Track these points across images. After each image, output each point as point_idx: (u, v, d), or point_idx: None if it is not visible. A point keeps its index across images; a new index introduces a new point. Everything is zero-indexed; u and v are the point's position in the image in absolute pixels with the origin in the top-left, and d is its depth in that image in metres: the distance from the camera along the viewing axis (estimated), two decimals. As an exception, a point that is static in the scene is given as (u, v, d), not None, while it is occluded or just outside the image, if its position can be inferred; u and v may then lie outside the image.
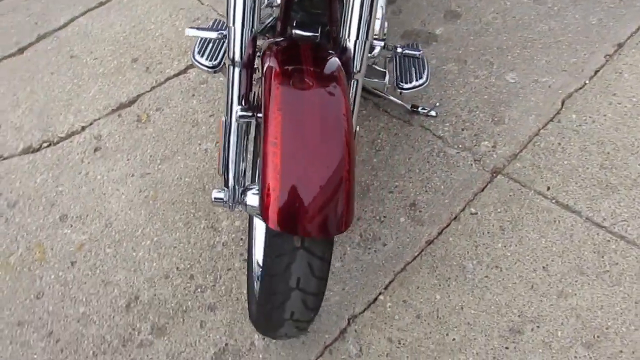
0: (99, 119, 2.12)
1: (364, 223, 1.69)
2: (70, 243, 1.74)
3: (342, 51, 1.22)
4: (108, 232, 1.75)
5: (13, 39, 2.53)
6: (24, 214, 1.83)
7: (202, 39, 1.71)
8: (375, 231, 1.67)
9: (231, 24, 1.20)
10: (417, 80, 1.75)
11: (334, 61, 1.14)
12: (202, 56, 1.70)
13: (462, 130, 1.91)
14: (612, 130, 1.87)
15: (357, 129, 1.36)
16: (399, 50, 1.71)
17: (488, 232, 1.64)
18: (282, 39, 1.32)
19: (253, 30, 1.21)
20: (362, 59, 1.24)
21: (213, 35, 1.62)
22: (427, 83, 1.75)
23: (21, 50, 2.48)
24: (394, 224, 1.69)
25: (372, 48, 1.75)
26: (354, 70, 1.24)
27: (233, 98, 1.25)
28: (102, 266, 1.67)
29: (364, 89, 1.76)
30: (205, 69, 1.68)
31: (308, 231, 0.97)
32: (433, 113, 1.93)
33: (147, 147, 2.00)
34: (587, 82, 2.03)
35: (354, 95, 1.28)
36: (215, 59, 1.70)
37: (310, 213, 0.95)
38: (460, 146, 1.87)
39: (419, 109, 1.93)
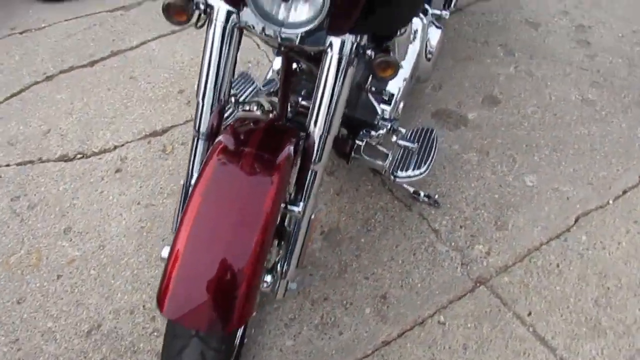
0: (131, 141, 2.19)
1: (329, 305, 1.60)
2: (63, 256, 1.79)
3: (307, 138, 1.17)
4: (98, 254, 1.79)
5: (89, 51, 2.69)
6: (37, 218, 1.92)
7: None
8: (337, 317, 1.57)
9: (199, 98, 1.19)
10: (414, 170, 1.65)
11: (287, 149, 1.09)
12: None
13: (460, 227, 1.77)
14: (621, 262, 1.64)
15: (315, 216, 1.28)
16: (394, 139, 1.63)
17: (449, 347, 1.49)
18: (250, 115, 1.30)
19: (220, 103, 1.19)
20: (322, 151, 1.18)
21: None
22: (424, 175, 1.64)
23: (92, 63, 2.63)
24: (357, 313, 1.58)
25: (377, 128, 1.67)
26: (313, 160, 1.18)
27: (193, 166, 1.23)
28: (82, 286, 1.70)
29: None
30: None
31: (196, 325, 0.93)
32: (431, 197, 1.81)
33: (161, 179, 2.03)
34: (610, 201, 1.80)
35: (309, 185, 1.21)
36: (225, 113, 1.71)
37: (202, 307, 0.90)
38: (452, 245, 1.73)
39: (420, 196, 1.81)
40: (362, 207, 1.85)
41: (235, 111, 1.68)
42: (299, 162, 1.20)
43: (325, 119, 1.15)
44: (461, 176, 1.92)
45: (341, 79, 1.13)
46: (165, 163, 2.08)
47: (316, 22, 1.00)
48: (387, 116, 1.70)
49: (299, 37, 1.06)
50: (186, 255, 0.92)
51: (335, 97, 1.14)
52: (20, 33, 3.04)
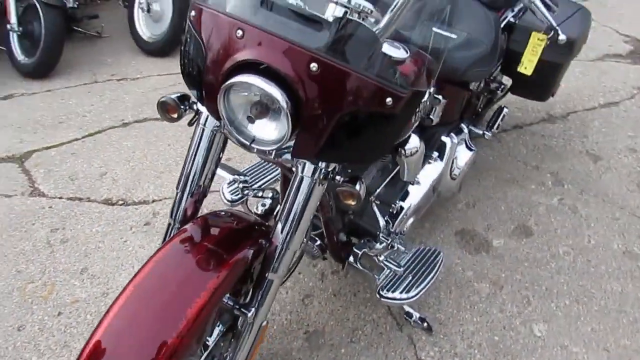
0: (168, 198, 2.32)
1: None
2: (70, 295, 1.90)
3: (269, 245, 1.17)
4: (99, 301, 1.88)
5: (166, 105, 2.93)
6: (64, 253, 2.07)
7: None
8: None
9: (177, 189, 1.25)
10: (402, 293, 1.57)
11: (245, 251, 1.09)
12: (228, 189, 1.78)
13: (447, 363, 1.64)
14: None
15: (266, 324, 1.26)
16: (382, 257, 1.57)
17: None
18: (231, 209, 1.32)
19: (196, 196, 1.23)
20: (279, 263, 1.17)
21: (236, 177, 1.72)
22: (411, 301, 1.56)
23: (164, 117, 2.86)
24: None
25: (378, 240, 1.63)
26: (271, 269, 1.17)
27: None
28: (74, 329, 1.79)
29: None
30: (225, 200, 1.75)
31: None
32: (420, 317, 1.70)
33: (180, 240, 2.12)
34: (624, 378, 1.58)
35: (263, 292, 1.19)
36: (237, 195, 1.76)
37: None
38: (431, 380, 1.60)
39: (412, 318, 1.71)
40: (354, 315, 1.78)
41: (245, 197, 1.74)
42: (259, 267, 1.20)
43: (287, 234, 1.15)
44: (465, 307, 1.79)
45: (306, 199, 1.14)
46: (189, 226, 2.17)
47: (281, 144, 1.02)
48: (391, 229, 1.65)
49: (274, 151, 1.09)
50: (99, 348, 0.94)
51: (297, 215, 1.14)
52: (118, 80, 3.40)
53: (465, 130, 1.91)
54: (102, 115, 2.99)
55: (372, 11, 1.03)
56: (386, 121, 1.05)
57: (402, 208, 1.68)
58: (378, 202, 1.64)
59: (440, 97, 1.66)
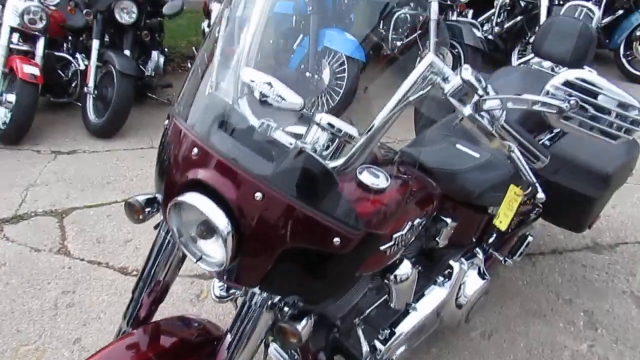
0: (180, 276, 2.31)
1: None
2: (57, 365, 1.91)
3: None
4: (81, 376, 1.86)
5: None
6: (65, 318, 2.09)
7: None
8: None
9: (133, 292, 1.23)
10: None
11: None
12: (218, 284, 1.74)
13: None
14: None
15: None
16: None
17: None
18: (175, 317, 1.28)
19: (150, 299, 1.23)
20: None
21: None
22: None
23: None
24: None
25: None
26: None
27: None
28: (48, 402, 1.77)
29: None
30: (213, 296, 1.71)
31: None
32: None
33: (177, 323, 2.07)
34: None
35: None
36: (224, 292, 1.71)
37: None
38: None
39: None
40: None
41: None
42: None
43: (232, 354, 1.09)
44: None
45: (252, 326, 1.07)
46: (191, 309, 2.13)
47: (223, 268, 0.97)
48: (377, 356, 1.52)
49: (221, 273, 1.05)
50: None
51: (244, 340, 1.08)
52: (170, 148, 3.56)
53: (480, 256, 1.76)
54: (146, 180, 3.12)
55: (353, 137, 0.99)
56: (335, 260, 0.98)
57: (392, 334, 1.54)
58: (363, 326, 1.51)
59: (448, 219, 1.55)
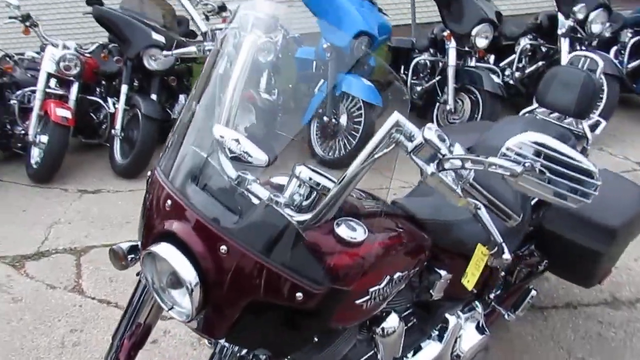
0: (184, 318, 2.34)
1: None
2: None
3: None
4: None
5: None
6: (69, 357, 2.12)
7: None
8: None
9: (113, 339, 1.25)
10: None
11: None
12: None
13: None
14: None
15: None
16: None
17: None
18: None
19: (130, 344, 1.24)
20: None
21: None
22: None
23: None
24: None
25: None
26: None
27: None
28: None
29: None
30: (207, 342, 1.71)
31: None
32: None
33: (176, 366, 2.08)
34: None
35: None
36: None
37: None
38: None
39: None
40: None
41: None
42: None
43: None
44: None
45: None
46: (191, 353, 2.14)
47: (190, 319, 0.99)
48: None
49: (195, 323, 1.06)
50: None
51: None
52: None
53: (479, 309, 1.71)
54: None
55: (322, 186, 1.01)
56: (301, 315, 0.98)
57: None
58: None
59: (442, 272, 1.52)
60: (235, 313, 0.95)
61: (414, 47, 4.70)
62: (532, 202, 1.78)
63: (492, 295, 1.88)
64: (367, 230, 1.10)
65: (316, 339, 1.24)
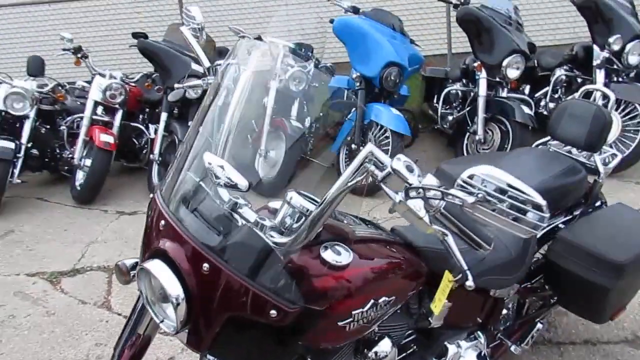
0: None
1: None
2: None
3: None
4: None
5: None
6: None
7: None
8: None
9: (114, 349, 1.35)
10: None
11: None
12: None
13: None
14: None
15: None
16: None
17: None
18: None
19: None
20: None
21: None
22: None
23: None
24: None
25: None
26: None
27: None
28: None
29: None
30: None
31: None
32: None
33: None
34: None
35: None
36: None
37: None
38: None
39: None
40: None
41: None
42: None
43: None
44: None
45: None
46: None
47: (176, 332, 1.07)
48: None
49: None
50: None
51: None
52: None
53: (482, 340, 1.71)
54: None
55: (310, 211, 1.08)
56: (278, 332, 1.05)
57: None
58: None
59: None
60: (216, 327, 1.03)
61: (448, 77, 4.74)
62: (539, 235, 1.78)
63: (501, 327, 1.88)
64: (352, 255, 1.17)
65: (309, 359, 1.31)
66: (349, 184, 1.02)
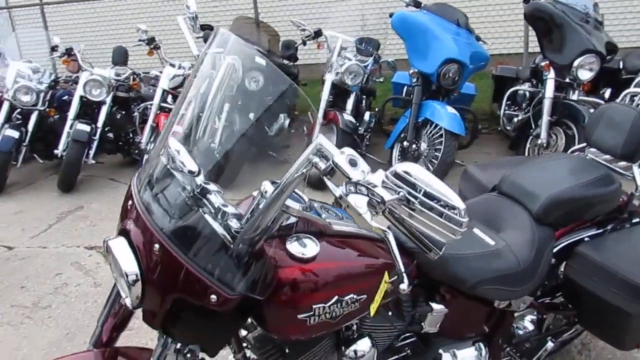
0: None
1: None
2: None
3: None
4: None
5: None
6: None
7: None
8: None
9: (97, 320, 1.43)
10: None
11: None
12: None
13: None
14: None
15: None
16: None
17: None
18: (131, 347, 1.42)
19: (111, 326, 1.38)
20: None
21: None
22: None
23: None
24: None
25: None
26: None
27: None
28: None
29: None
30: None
31: None
32: None
33: None
34: None
35: None
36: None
37: None
38: None
39: None
40: None
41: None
42: None
43: None
44: None
45: None
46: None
47: (133, 308, 1.13)
48: None
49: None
50: None
51: None
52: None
53: (484, 352, 1.63)
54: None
55: (289, 208, 1.10)
56: (220, 316, 1.08)
57: None
58: None
59: (436, 305, 1.51)
60: (165, 307, 1.08)
61: (518, 77, 4.50)
62: (555, 249, 1.66)
63: (513, 342, 1.78)
64: (320, 249, 1.17)
65: (287, 350, 1.33)
66: (296, 175, 1.02)
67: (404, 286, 1.01)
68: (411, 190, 0.86)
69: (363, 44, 4.25)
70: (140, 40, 4.55)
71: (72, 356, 1.31)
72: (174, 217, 1.10)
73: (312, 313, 1.16)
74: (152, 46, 4.52)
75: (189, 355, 1.18)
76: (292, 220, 1.20)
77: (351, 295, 1.21)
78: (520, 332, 1.79)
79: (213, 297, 1.03)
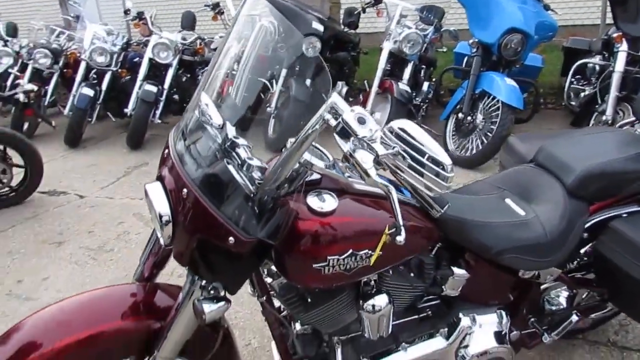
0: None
1: None
2: None
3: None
4: None
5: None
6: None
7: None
8: None
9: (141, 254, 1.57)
10: None
11: (134, 324, 1.35)
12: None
13: None
14: None
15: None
16: None
17: None
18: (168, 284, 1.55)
19: (153, 261, 1.48)
20: (162, 346, 1.33)
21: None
22: None
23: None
24: None
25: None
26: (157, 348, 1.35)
27: None
28: None
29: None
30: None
31: None
32: None
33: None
34: None
35: None
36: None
37: None
38: None
39: None
40: None
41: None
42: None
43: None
44: None
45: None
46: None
47: (166, 246, 1.26)
48: None
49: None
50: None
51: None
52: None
53: (505, 320, 1.65)
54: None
55: (312, 165, 1.19)
56: (236, 257, 1.18)
57: None
58: (343, 346, 1.57)
59: (458, 270, 1.54)
60: (191, 246, 1.19)
61: (590, 49, 4.27)
62: (588, 224, 1.64)
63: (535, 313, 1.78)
64: (338, 205, 1.24)
65: (309, 300, 1.42)
66: (309, 132, 1.08)
67: (400, 238, 1.05)
68: (404, 146, 0.90)
69: (424, 12, 4.17)
70: (205, 5, 4.71)
71: (119, 286, 1.46)
72: (202, 166, 1.21)
73: (326, 263, 1.23)
74: (216, 11, 4.67)
75: (212, 292, 1.29)
76: (316, 177, 1.27)
77: (366, 251, 1.26)
78: (550, 305, 1.79)
79: (231, 239, 1.13)
